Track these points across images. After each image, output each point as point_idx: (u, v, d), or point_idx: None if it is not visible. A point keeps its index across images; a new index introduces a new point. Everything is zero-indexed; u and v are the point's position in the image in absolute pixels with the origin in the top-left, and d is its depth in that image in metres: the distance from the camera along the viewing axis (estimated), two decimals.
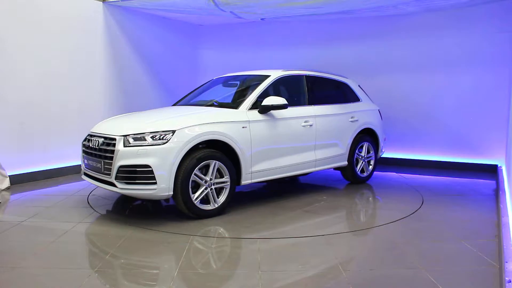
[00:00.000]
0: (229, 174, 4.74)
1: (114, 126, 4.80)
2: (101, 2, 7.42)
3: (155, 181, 4.32)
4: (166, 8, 7.67)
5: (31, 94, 6.40)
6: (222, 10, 7.26)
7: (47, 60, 6.59)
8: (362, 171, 6.52)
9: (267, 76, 5.59)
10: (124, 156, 4.36)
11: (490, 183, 6.62)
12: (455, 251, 3.78)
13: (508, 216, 4.33)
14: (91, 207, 5.12)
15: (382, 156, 8.32)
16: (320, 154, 5.81)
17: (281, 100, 5.08)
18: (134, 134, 4.44)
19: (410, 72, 7.96)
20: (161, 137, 4.40)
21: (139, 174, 4.34)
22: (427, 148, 7.91)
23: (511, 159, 5.24)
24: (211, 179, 4.60)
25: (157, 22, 8.64)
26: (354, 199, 5.70)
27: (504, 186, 5.69)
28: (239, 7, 7.10)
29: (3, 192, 5.78)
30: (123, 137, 4.45)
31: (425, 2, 6.56)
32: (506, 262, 3.10)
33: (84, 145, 5.00)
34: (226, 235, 4.20)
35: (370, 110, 6.74)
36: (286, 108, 5.19)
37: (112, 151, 4.43)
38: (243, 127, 4.90)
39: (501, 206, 4.71)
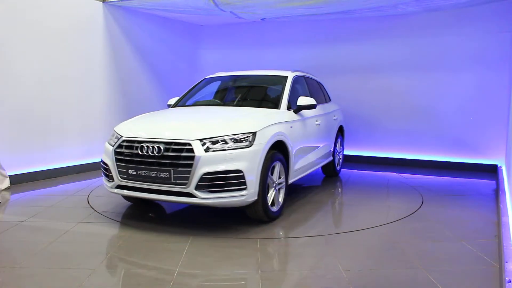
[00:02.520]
0: (285, 174, 4.72)
1: (172, 129, 4.32)
2: (101, 2, 7.42)
3: (245, 186, 4.04)
4: (166, 8, 7.67)
5: (31, 94, 6.40)
6: (222, 10, 7.26)
7: (47, 60, 6.60)
8: (338, 164, 7.15)
9: (285, 77, 5.65)
10: (208, 162, 3.95)
11: (490, 183, 6.62)
12: (455, 251, 3.78)
13: (508, 216, 4.33)
14: (91, 207, 5.12)
15: (382, 156, 8.34)
16: (320, 151, 6.03)
17: (312, 100, 5.22)
18: (211, 138, 4.06)
19: (410, 72, 7.96)
20: (243, 139, 4.14)
21: (229, 180, 4.00)
22: (427, 148, 7.91)
23: (511, 159, 5.24)
24: (276, 180, 4.55)
25: (157, 22, 8.64)
26: (354, 199, 5.70)
27: (504, 186, 5.69)
28: (239, 7, 7.10)
29: (3, 192, 5.77)
30: (199, 141, 4.03)
31: (425, 2, 6.56)
32: (506, 262, 3.10)
33: (125, 154, 4.26)
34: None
35: (339, 109, 7.27)
36: (315, 108, 5.33)
37: (189, 158, 3.96)
38: (290, 127, 4.94)
39: (501, 206, 4.72)
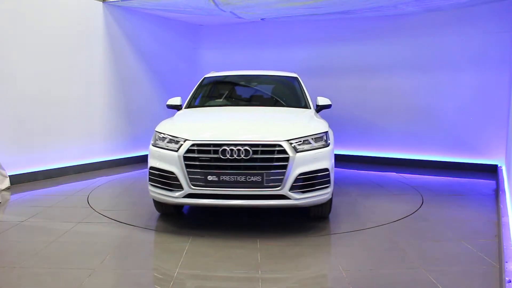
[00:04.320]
0: None
1: (253, 131, 4.18)
2: (101, 2, 7.42)
3: (329, 184, 4.14)
4: (166, 8, 7.67)
5: (31, 94, 6.40)
6: (222, 10, 7.26)
7: (47, 60, 6.60)
8: None
9: (295, 78, 5.81)
10: (301, 163, 3.93)
11: (490, 183, 6.62)
12: (455, 251, 3.78)
13: (508, 216, 4.33)
14: (91, 207, 5.12)
15: (381, 156, 8.34)
16: None
17: (328, 100, 5.36)
18: (298, 138, 4.03)
19: (410, 72, 7.96)
20: (321, 139, 4.19)
21: (318, 179, 4.03)
22: (427, 148, 7.91)
23: (511, 159, 5.24)
24: None
25: (157, 22, 8.64)
26: (353, 199, 5.70)
27: (504, 186, 5.68)
28: (239, 7, 7.10)
29: (3, 192, 5.77)
30: (287, 142, 3.96)
31: (424, 2, 6.56)
32: (506, 262, 3.10)
33: (200, 159, 3.94)
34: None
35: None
36: (330, 107, 5.43)
37: (283, 159, 3.89)
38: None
39: (501, 206, 4.71)
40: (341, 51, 8.49)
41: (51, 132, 6.73)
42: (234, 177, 3.87)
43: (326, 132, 4.30)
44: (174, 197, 4.03)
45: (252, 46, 9.27)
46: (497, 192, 5.68)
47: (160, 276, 3.24)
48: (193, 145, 3.96)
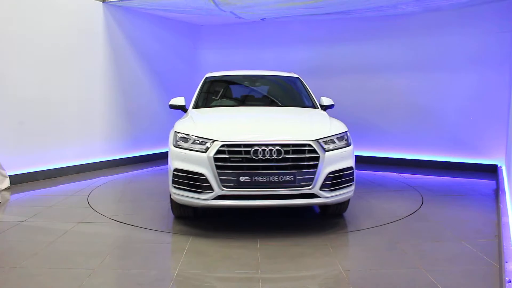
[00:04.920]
0: None
1: (281, 131, 4.21)
2: (101, 2, 7.42)
3: (353, 182, 4.27)
4: (166, 8, 7.67)
5: (31, 94, 6.40)
6: (222, 10, 7.26)
7: (47, 60, 6.60)
8: None
9: (297, 78, 5.87)
10: (330, 162, 4.02)
11: (490, 183, 6.61)
12: (455, 251, 3.78)
13: (508, 216, 4.32)
14: (91, 207, 5.12)
15: (381, 156, 8.33)
16: None
17: (331, 101, 5.46)
18: (325, 138, 4.10)
19: (410, 72, 7.96)
20: (343, 138, 4.29)
21: (344, 178, 4.16)
22: (427, 148, 7.90)
23: (511, 159, 5.24)
24: None
25: (157, 22, 8.64)
26: (353, 199, 5.69)
27: (504, 186, 5.68)
28: (239, 7, 7.10)
29: (3, 192, 5.77)
30: (316, 141, 4.02)
31: (425, 2, 6.56)
32: (506, 262, 3.10)
33: (232, 159, 3.89)
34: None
35: None
36: (333, 107, 5.50)
37: (314, 158, 3.94)
38: None
39: (501, 206, 4.71)
40: (341, 51, 8.49)
41: (51, 132, 6.73)
42: (266, 178, 3.86)
43: (347, 132, 4.40)
44: (203, 199, 3.95)
45: (252, 46, 9.26)
46: (497, 192, 5.68)
47: (160, 276, 3.24)
48: (223, 145, 3.90)
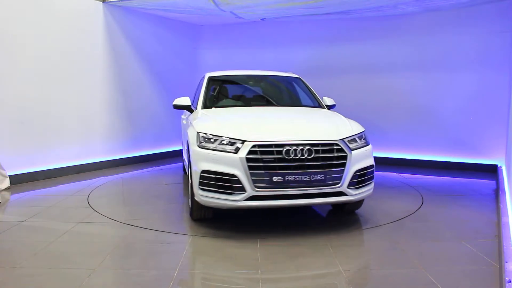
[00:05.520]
0: None
1: (308, 130, 4.23)
2: (101, 2, 7.42)
3: (373, 180, 4.40)
4: (166, 8, 7.67)
5: (31, 94, 6.40)
6: (222, 10, 7.26)
7: (47, 60, 6.60)
8: None
9: (298, 78, 5.94)
10: (356, 160, 4.12)
11: (490, 183, 6.61)
12: (455, 251, 3.78)
13: (508, 216, 4.32)
14: (91, 207, 5.12)
15: (381, 156, 8.32)
16: None
17: (333, 100, 5.60)
18: (349, 137, 4.19)
19: (410, 72, 7.96)
20: (361, 137, 4.38)
21: (367, 175, 4.30)
22: (427, 148, 7.90)
23: (511, 159, 5.24)
24: None
25: (157, 22, 8.64)
26: None
27: (504, 186, 5.68)
28: (239, 7, 7.10)
29: (3, 192, 5.77)
30: (342, 140, 4.09)
31: (425, 2, 6.56)
32: (506, 262, 3.10)
33: (264, 160, 3.86)
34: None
35: None
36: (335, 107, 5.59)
37: (342, 157, 4.02)
38: None
39: (501, 206, 4.71)
40: (341, 51, 8.49)
41: (51, 132, 6.73)
42: (298, 177, 3.88)
43: (364, 131, 4.50)
44: (235, 200, 3.90)
45: (252, 46, 9.26)
46: (497, 192, 5.68)
47: (160, 276, 3.24)
48: (254, 146, 3.88)
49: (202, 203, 4.15)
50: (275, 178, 3.85)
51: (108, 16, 7.56)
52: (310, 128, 4.33)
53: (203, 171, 4.01)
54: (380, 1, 6.46)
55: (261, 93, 5.96)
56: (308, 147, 3.91)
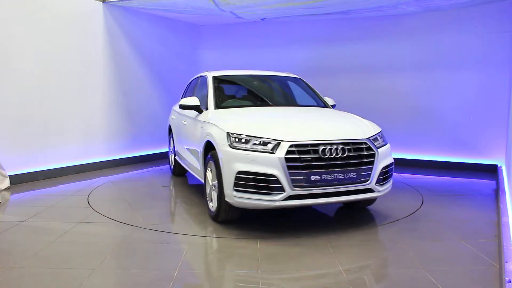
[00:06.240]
0: None
1: (340, 130, 4.32)
2: (101, 2, 7.42)
3: (392, 178, 4.57)
4: (166, 8, 7.67)
5: (31, 94, 6.40)
6: (222, 10, 7.26)
7: (47, 60, 6.60)
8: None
9: (299, 78, 6.03)
10: (382, 158, 4.30)
11: (490, 183, 6.62)
12: (455, 251, 3.78)
13: (508, 216, 4.33)
14: (91, 207, 5.12)
15: None
16: None
17: (333, 101, 5.75)
18: (373, 136, 4.35)
19: (410, 72, 7.96)
20: (381, 136, 4.53)
21: (390, 172, 4.47)
22: (427, 148, 7.91)
23: (511, 159, 5.24)
24: None
25: (157, 22, 8.64)
26: None
27: (504, 186, 5.68)
28: (239, 7, 7.10)
29: (3, 192, 5.77)
30: (368, 139, 4.24)
31: (425, 2, 6.56)
32: (506, 262, 3.10)
33: (302, 159, 3.90)
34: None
35: None
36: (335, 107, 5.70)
37: (371, 155, 4.17)
38: None
39: (501, 206, 4.71)
40: (341, 51, 8.48)
41: (51, 132, 6.73)
42: (334, 175, 3.98)
43: (381, 131, 4.62)
44: (274, 200, 3.89)
45: (252, 46, 9.26)
46: (497, 192, 5.68)
47: (160, 276, 3.24)
48: (291, 146, 3.91)
49: (236, 204, 4.08)
50: (313, 177, 3.91)
51: (108, 16, 7.56)
52: (340, 128, 4.42)
53: (239, 172, 3.96)
54: (381, 1, 6.46)
55: (270, 93, 5.95)
56: (341, 146, 4.03)
